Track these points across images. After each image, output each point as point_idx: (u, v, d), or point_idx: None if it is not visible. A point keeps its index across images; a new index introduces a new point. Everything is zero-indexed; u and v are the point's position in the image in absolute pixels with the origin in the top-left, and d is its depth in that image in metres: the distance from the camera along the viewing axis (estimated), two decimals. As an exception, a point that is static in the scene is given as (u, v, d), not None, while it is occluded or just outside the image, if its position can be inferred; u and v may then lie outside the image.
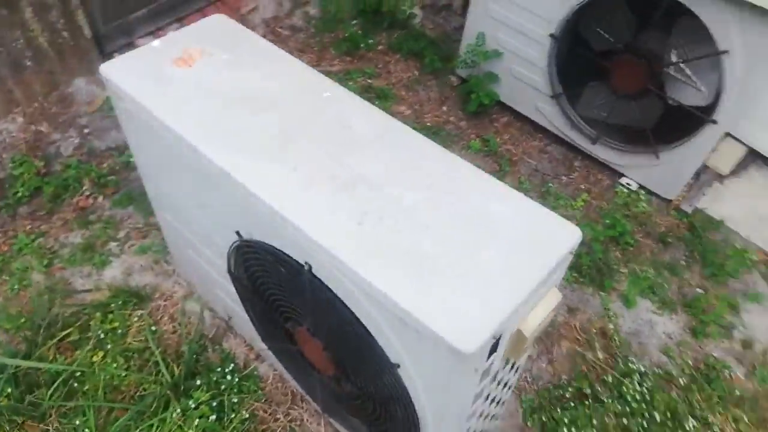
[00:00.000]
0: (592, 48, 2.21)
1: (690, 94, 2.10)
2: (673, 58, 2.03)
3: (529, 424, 1.81)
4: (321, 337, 1.30)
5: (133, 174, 2.31)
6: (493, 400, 1.41)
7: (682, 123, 2.18)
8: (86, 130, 2.39)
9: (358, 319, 1.11)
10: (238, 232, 1.30)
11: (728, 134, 2.39)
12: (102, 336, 1.84)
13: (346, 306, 1.11)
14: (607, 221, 2.34)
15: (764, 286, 2.24)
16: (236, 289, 1.54)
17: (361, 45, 2.89)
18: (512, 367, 1.32)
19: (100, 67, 1.35)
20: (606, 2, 2.05)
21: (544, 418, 1.82)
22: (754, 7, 1.73)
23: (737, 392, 1.93)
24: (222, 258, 1.47)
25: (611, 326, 2.07)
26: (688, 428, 1.80)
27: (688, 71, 2.04)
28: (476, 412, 1.27)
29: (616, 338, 2.04)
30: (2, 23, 2.06)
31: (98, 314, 1.90)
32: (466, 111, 2.66)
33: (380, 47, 2.93)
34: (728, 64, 1.88)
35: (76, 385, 1.73)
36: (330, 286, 1.12)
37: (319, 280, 1.13)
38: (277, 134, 1.21)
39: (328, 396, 1.58)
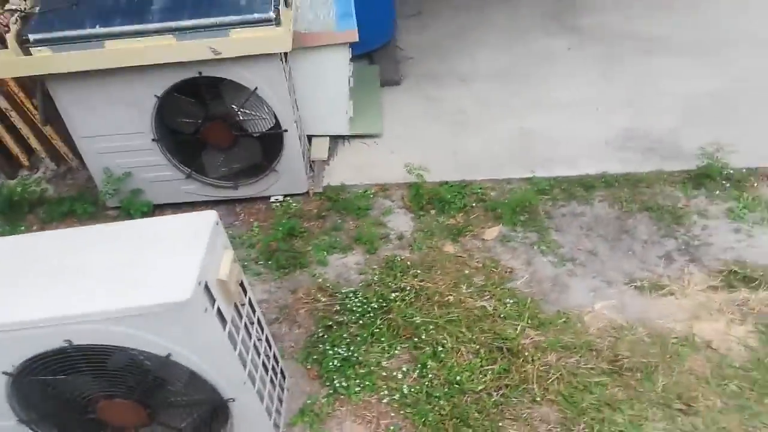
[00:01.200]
0: (185, 132, 2.98)
1: (262, 123, 3.01)
2: (235, 108, 2.92)
3: (308, 366, 2.46)
4: (118, 390, 1.72)
5: None
6: (263, 355, 1.99)
7: (274, 142, 3.10)
8: None
9: (125, 348, 1.59)
10: (5, 372, 1.63)
11: (310, 135, 3.43)
12: None
13: (115, 347, 1.58)
14: (280, 228, 3.13)
15: (388, 202, 3.29)
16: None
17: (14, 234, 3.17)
18: (250, 320, 1.93)
19: None
20: (169, 102, 2.83)
21: (315, 356, 2.48)
22: (256, 56, 2.69)
23: (408, 263, 2.88)
24: (6, 418, 1.75)
25: (321, 281, 2.84)
26: (392, 298, 2.67)
27: (249, 111, 2.95)
28: (246, 359, 1.84)
29: (329, 285, 2.82)
30: None
31: None
32: (135, 226, 3.18)
33: (34, 227, 3.26)
34: (262, 93, 2.84)
35: None
36: (93, 343, 1.57)
37: (83, 346, 1.58)
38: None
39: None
